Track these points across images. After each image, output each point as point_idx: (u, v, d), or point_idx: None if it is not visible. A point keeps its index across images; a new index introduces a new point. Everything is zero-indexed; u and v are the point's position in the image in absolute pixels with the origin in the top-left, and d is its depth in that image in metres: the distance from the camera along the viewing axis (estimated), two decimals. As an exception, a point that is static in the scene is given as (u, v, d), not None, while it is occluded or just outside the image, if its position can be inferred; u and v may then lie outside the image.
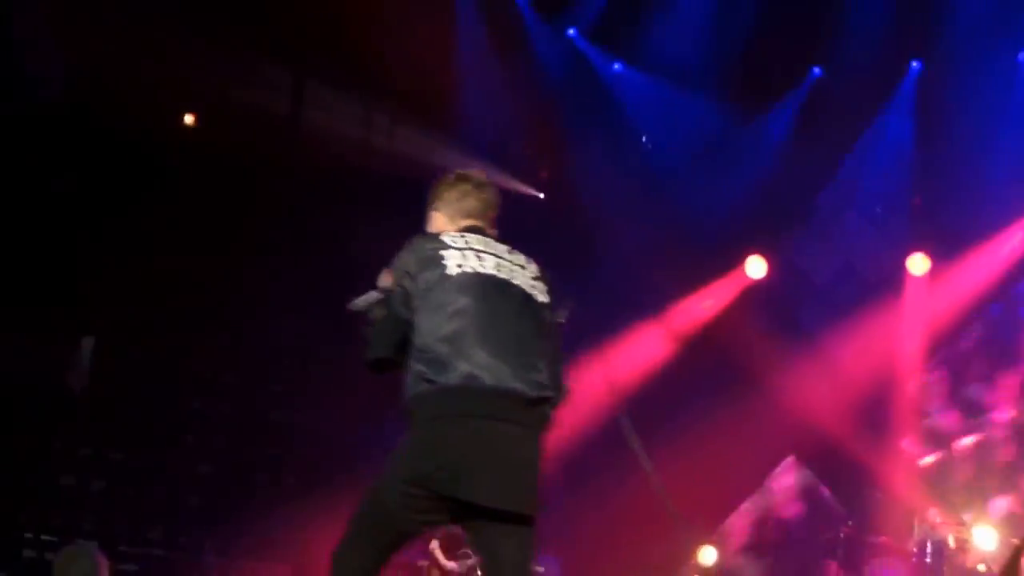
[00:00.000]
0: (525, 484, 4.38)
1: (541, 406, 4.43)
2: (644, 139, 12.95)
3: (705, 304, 12.84)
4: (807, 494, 11.66)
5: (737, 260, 12.77)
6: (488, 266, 4.54)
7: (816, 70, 12.30)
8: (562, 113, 12.78)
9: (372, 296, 4.65)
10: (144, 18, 11.21)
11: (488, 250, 4.62)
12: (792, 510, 11.71)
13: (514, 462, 4.35)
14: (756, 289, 12.73)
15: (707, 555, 9.80)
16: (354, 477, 8.27)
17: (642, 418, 12.07)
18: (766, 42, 11.78)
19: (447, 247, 4.54)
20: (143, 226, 11.44)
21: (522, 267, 4.66)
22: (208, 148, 12.03)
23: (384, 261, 4.60)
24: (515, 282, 4.57)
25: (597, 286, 12.30)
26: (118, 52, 11.04)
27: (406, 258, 4.54)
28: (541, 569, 11.02)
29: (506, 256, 4.64)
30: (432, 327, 4.37)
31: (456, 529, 10.22)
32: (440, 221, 4.79)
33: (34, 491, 10.97)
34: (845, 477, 10.45)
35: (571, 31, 12.64)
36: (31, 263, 10.78)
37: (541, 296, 4.62)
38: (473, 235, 4.66)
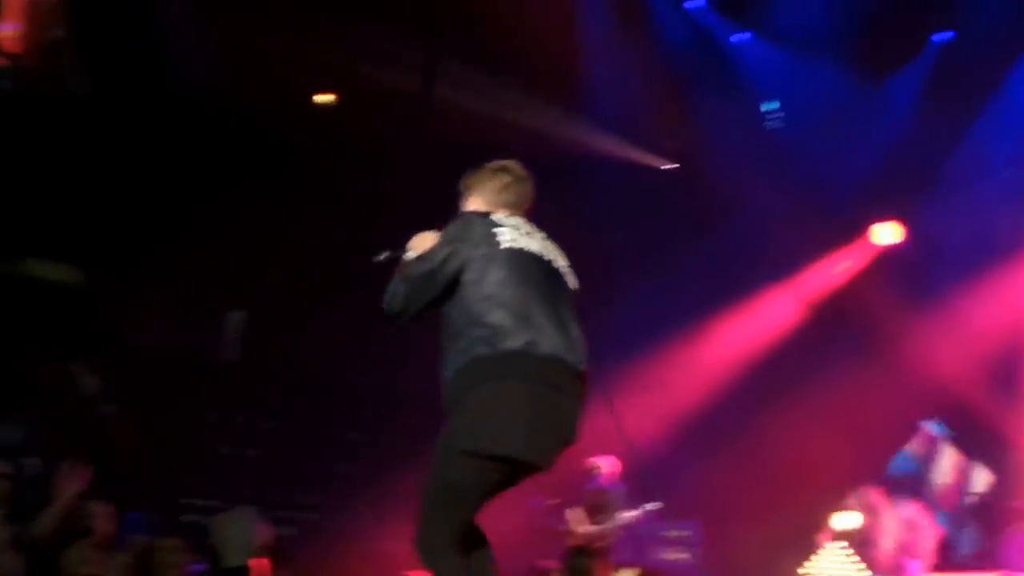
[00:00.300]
0: (560, 454, 4.51)
1: (582, 382, 4.54)
2: (762, 109, 12.99)
3: (836, 269, 12.93)
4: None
5: (865, 225, 12.79)
6: (535, 246, 4.67)
7: (944, 33, 12.14)
8: (689, 83, 12.82)
9: (401, 253, 4.76)
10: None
11: (533, 232, 4.76)
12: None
13: (563, 432, 4.47)
14: (886, 254, 12.75)
15: (847, 520, 9.88)
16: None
17: (773, 383, 12.21)
18: (893, 6, 11.69)
19: (499, 224, 4.65)
20: (286, 202, 11.80)
21: (558, 253, 4.82)
22: (343, 125, 12.34)
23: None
24: (556, 264, 4.71)
25: (727, 252, 12.44)
26: (255, 34, 11.26)
27: (461, 228, 4.63)
28: (687, 532, 11.22)
29: (546, 240, 4.79)
30: (489, 294, 4.45)
31: (595, 494, 10.45)
32: (477, 208, 4.86)
33: (193, 459, 11.24)
34: (980, 441, 10.45)
35: (697, 2, 12.68)
36: (186, 239, 11.05)
37: (573, 283, 4.78)
38: (518, 218, 4.79)
